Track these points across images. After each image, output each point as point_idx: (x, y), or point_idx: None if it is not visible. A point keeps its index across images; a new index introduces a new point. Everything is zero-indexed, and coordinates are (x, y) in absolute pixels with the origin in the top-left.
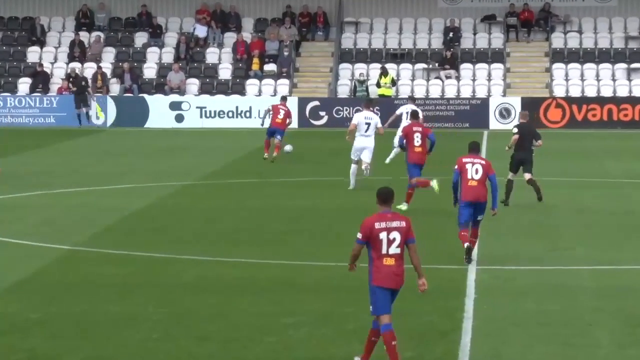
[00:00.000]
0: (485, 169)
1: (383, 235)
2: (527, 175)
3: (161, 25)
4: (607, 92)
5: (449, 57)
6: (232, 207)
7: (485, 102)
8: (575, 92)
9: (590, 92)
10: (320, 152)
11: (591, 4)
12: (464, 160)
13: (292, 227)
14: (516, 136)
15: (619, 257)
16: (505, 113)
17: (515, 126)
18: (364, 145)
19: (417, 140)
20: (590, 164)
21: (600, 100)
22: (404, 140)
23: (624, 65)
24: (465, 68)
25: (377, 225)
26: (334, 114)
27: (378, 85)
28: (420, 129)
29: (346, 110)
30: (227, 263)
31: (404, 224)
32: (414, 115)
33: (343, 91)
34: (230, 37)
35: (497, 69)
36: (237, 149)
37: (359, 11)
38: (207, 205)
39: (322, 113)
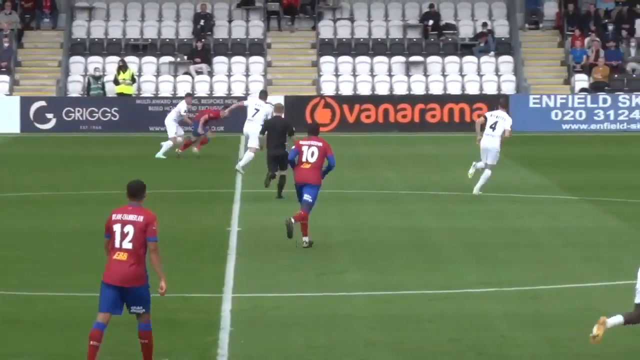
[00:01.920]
0: (321, 151)
1: (117, 228)
2: (281, 172)
3: None
4: (382, 90)
5: (200, 48)
6: None
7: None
8: (346, 90)
9: (364, 90)
10: (48, 162)
11: None
12: (301, 142)
13: (16, 253)
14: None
15: (397, 280)
16: None
17: (264, 121)
18: (247, 131)
19: None
20: (365, 174)
21: (374, 100)
22: None
23: (402, 59)
24: (219, 62)
25: (113, 217)
26: (64, 116)
27: (116, 82)
28: None
29: (78, 111)
30: None
31: (141, 219)
32: None
33: (74, 89)
34: None
35: (257, 62)
36: None
37: None
38: None
39: (49, 115)
